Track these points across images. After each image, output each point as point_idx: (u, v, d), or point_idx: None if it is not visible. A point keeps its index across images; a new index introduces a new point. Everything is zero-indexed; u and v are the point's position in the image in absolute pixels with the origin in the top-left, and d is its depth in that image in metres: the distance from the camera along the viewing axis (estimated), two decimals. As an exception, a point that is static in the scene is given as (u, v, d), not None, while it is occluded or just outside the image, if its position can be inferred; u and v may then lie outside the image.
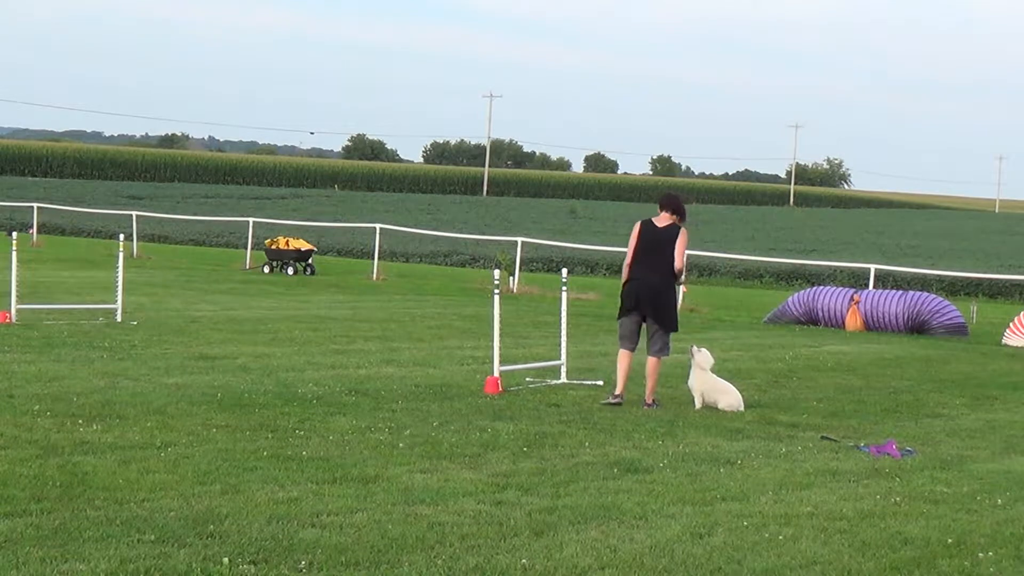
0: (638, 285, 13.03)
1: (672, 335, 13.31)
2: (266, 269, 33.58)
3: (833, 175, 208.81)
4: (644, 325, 13.21)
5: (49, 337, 15.95)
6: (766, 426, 11.92)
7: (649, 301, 13.00)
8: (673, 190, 12.46)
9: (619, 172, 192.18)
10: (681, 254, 13.03)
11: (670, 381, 14.43)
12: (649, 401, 12.88)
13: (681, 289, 13.35)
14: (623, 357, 13.09)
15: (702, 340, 19.11)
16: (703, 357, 12.85)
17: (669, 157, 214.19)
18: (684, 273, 13.20)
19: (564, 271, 15.40)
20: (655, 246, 13.07)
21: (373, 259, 34.80)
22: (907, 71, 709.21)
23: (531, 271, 37.73)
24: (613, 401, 12.81)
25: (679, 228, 13.19)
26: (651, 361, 13.04)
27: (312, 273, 33.23)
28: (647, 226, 13.23)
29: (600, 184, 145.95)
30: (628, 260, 13.24)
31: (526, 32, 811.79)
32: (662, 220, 13.23)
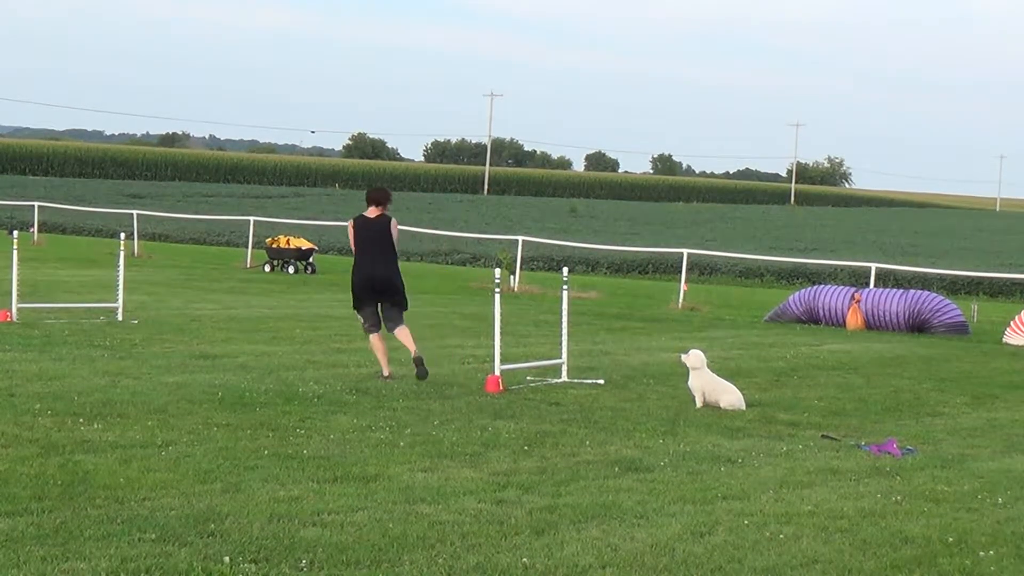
0: (371, 280, 13.94)
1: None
2: (267, 268, 33.58)
3: (834, 174, 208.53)
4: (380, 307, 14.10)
5: (50, 336, 15.96)
6: (767, 425, 11.92)
7: (385, 292, 13.98)
8: (377, 183, 14.05)
9: (620, 171, 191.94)
10: (395, 240, 14.07)
11: (671, 380, 14.44)
12: (415, 354, 13.73)
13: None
14: (376, 340, 13.98)
15: (702, 339, 19.15)
16: (695, 359, 12.84)
17: (670, 156, 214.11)
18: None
19: (565, 270, 15.41)
20: (373, 238, 13.99)
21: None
22: (908, 70, 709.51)
23: (532, 270, 37.74)
24: (385, 378, 13.61)
25: (389, 217, 14.10)
26: (402, 331, 13.99)
27: (313, 272, 33.24)
28: (361, 221, 14.10)
29: (601, 183, 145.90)
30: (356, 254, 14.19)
31: (527, 31, 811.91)
32: (372, 213, 14.08)
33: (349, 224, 14.25)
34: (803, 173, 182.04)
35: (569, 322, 14.96)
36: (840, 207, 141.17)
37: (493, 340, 13.64)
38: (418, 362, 13.71)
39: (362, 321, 14.16)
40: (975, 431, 12.19)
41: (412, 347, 13.84)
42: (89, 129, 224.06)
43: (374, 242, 13.99)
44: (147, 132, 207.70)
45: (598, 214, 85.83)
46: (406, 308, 14.21)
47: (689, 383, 12.92)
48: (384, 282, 13.97)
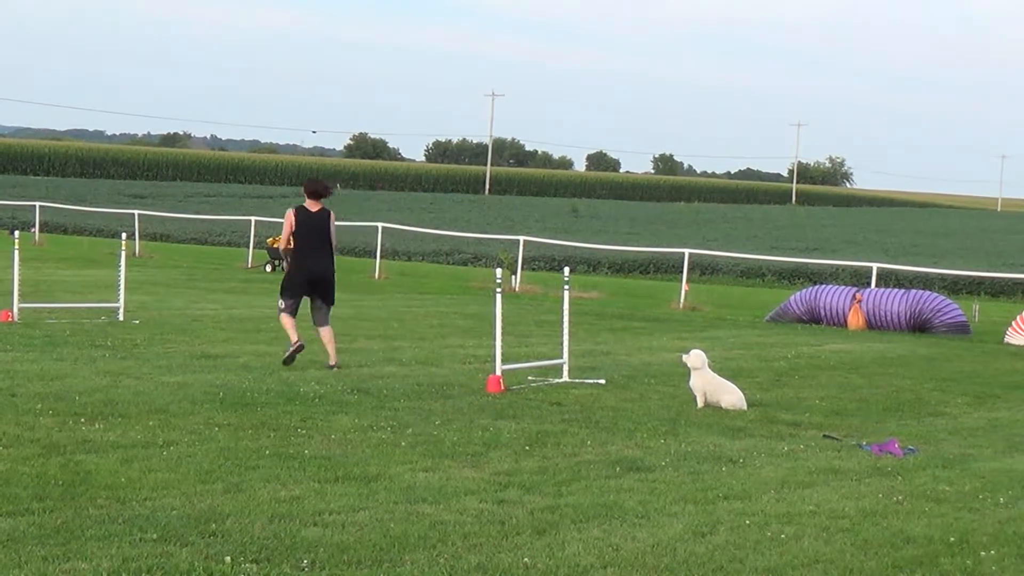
0: (312, 275, 14.40)
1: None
2: (268, 268, 33.60)
3: (835, 174, 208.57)
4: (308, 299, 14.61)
5: (51, 336, 15.96)
6: (768, 425, 11.91)
7: (321, 287, 14.46)
8: (316, 175, 14.68)
9: (621, 171, 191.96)
10: (333, 234, 14.53)
11: (672, 380, 14.44)
12: (333, 363, 14.20)
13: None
14: (288, 319, 14.33)
15: (703, 339, 19.15)
16: (695, 359, 12.84)
17: (671, 156, 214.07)
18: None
19: (566, 270, 15.41)
20: (313, 232, 14.41)
21: (375, 258, 34.82)
22: (909, 69, 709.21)
23: (533, 270, 37.72)
24: (295, 348, 14.14)
25: (329, 211, 14.57)
26: (326, 331, 14.42)
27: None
28: (302, 213, 14.49)
29: (602, 183, 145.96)
30: (284, 244, 15.06)
31: (528, 31, 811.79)
32: (312, 206, 14.52)
33: (290, 213, 14.57)
34: (804, 173, 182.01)
35: (570, 322, 14.95)
36: (841, 207, 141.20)
37: (494, 340, 13.64)
38: (333, 366, 14.12)
39: (282, 305, 14.43)
40: (976, 431, 12.19)
41: (333, 356, 14.26)
42: (90, 129, 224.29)
43: (314, 236, 14.37)
44: (148, 132, 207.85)
45: (599, 214, 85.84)
46: (333, 303, 14.60)
47: (690, 383, 12.92)
48: (320, 277, 14.40)
